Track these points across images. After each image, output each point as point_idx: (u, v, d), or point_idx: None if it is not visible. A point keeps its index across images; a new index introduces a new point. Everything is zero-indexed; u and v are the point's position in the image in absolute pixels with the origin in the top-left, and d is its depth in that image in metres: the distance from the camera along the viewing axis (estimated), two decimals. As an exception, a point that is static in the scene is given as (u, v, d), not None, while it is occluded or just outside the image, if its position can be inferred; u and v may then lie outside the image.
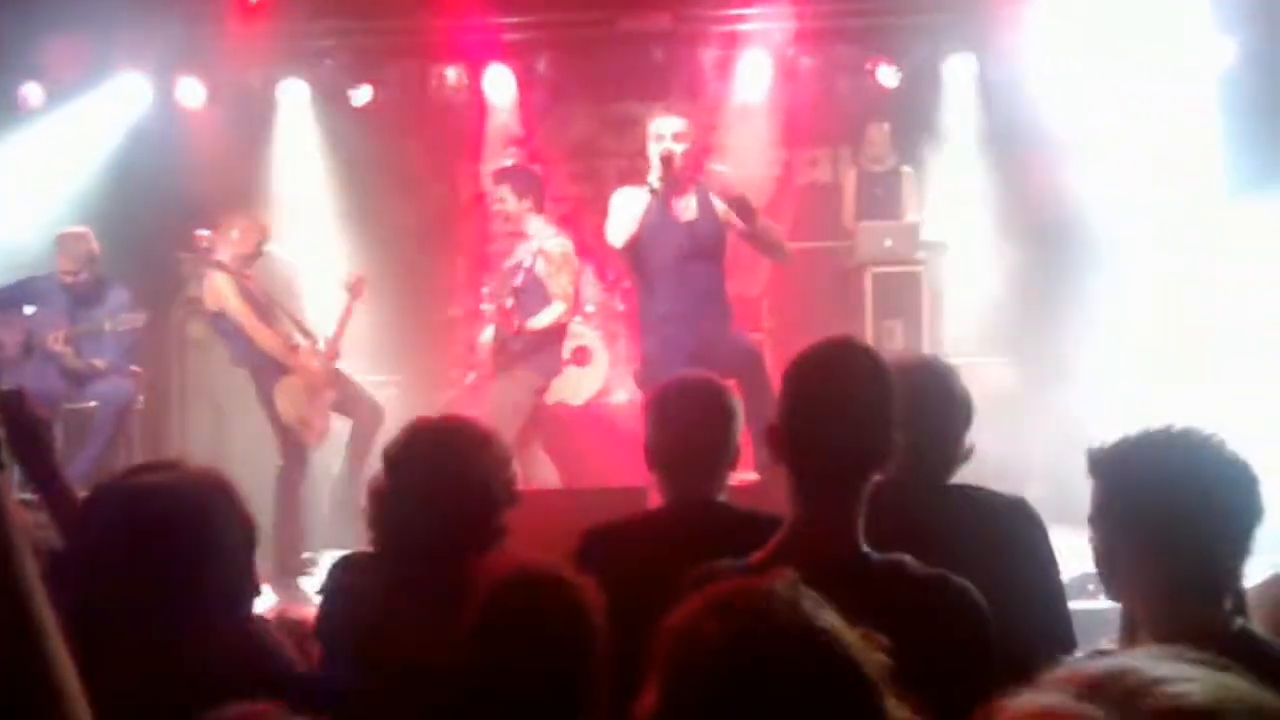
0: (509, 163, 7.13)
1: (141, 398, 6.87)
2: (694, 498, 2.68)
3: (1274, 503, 1.88)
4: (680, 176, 5.40)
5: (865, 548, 1.92)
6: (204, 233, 6.44)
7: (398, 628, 2.22)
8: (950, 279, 7.61)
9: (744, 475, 4.42)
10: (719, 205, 5.47)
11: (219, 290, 6.19)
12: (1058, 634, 2.38)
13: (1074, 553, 2.48)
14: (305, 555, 6.13)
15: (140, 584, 1.84)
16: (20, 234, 7.14)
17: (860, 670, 1.26)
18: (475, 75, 8.06)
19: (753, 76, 8.00)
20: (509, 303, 6.02)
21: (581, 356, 7.53)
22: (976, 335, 7.12)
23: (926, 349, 6.92)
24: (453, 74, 7.97)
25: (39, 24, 7.00)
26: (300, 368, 6.24)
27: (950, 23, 7.73)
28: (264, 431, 6.31)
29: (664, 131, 5.42)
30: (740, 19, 7.88)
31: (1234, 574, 1.90)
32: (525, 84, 8.17)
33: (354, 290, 6.41)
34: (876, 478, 1.95)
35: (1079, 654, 2.01)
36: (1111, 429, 1.94)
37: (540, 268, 6.05)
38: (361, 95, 7.99)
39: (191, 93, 7.75)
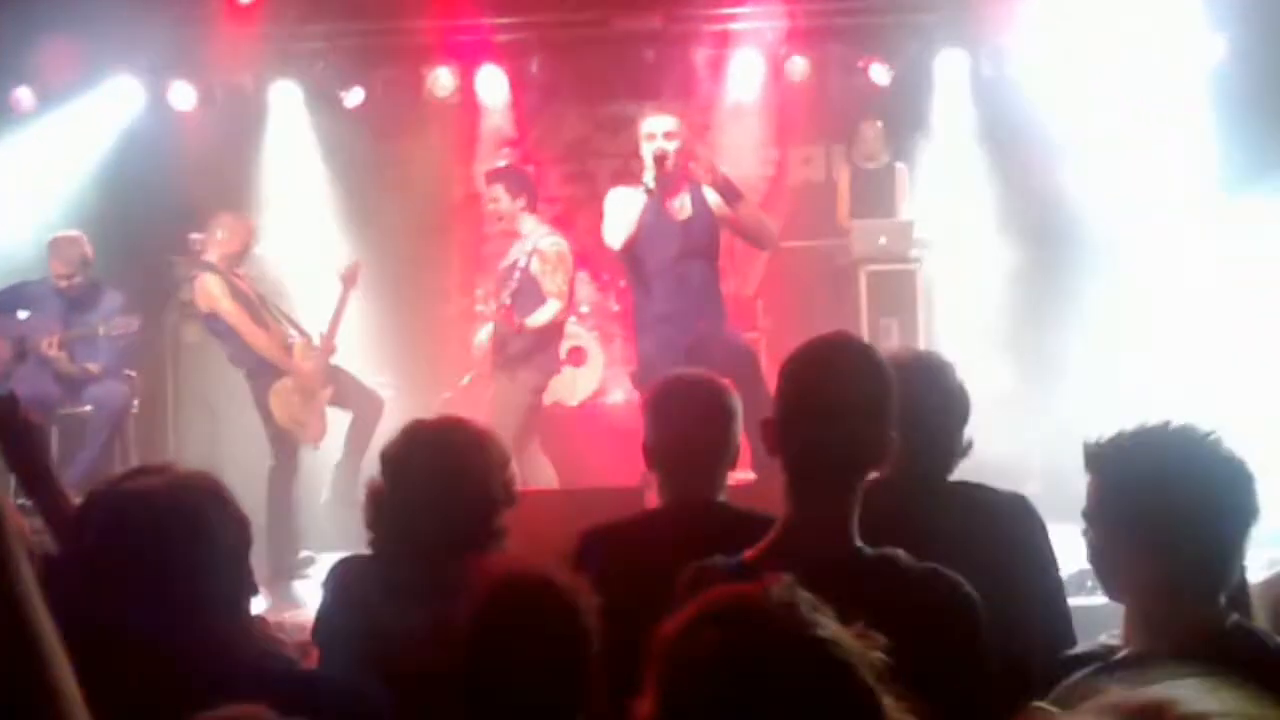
0: (502, 163, 7.12)
1: (136, 402, 6.85)
2: (693, 497, 2.67)
3: (1271, 500, 1.88)
4: (673, 174, 5.41)
5: (859, 544, 1.92)
6: (196, 236, 6.44)
7: (396, 630, 2.22)
8: (945, 276, 7.62)
9: (742, 474, 4.41)
10: (712, 198, 5.46)
11: (210, 291, 6.20)
12: (1057, 630, 2.38)
13: (1073, 549, 2.47)
14: (303, 555, 6.13)
15: (136, 588, 1.84)
16: (13, 238, 7.12)
17: (858, 676, 1.25)
18: (468, 76, 8.03)
19: (745, 76, 8.01)
20: (507, 300, 6.02)
21: (577, 357, 7.53)
22: (973, 332, 7.12)
23: (923, 347, 6.92)
24: (445, 75, 7.95)
25: (31, 27, 6.98)
26: (294, 369, 6.24)
27: (941, 20, 7.73)
28: (259, 434, 6.31)
29: (655, 130, 5.41)
30: (732, 18, 7.87)
31: (1230, 571, 1.90)
32: (517, 85, 8.15)
33: (349, 278, 6.40)
34: (875, 474, 1.95)
35: (1078, 649, 2.01)
36: (1108, 425, 1.94)
37: (535, 267, 6.05)
38: (354, 97, 7.98)
39: (184, 95, 7.73)
